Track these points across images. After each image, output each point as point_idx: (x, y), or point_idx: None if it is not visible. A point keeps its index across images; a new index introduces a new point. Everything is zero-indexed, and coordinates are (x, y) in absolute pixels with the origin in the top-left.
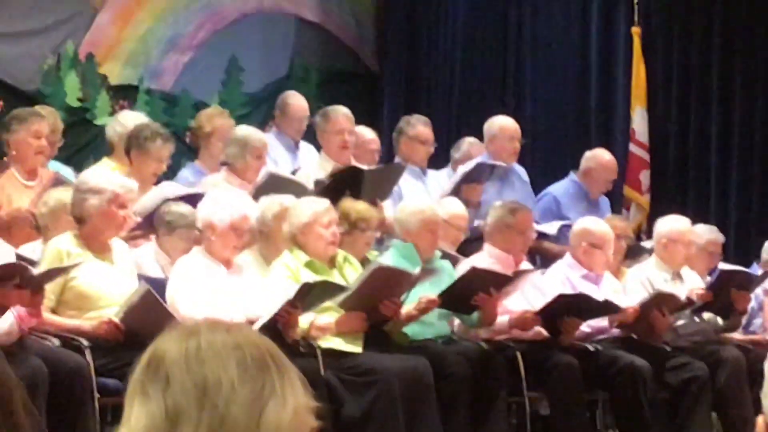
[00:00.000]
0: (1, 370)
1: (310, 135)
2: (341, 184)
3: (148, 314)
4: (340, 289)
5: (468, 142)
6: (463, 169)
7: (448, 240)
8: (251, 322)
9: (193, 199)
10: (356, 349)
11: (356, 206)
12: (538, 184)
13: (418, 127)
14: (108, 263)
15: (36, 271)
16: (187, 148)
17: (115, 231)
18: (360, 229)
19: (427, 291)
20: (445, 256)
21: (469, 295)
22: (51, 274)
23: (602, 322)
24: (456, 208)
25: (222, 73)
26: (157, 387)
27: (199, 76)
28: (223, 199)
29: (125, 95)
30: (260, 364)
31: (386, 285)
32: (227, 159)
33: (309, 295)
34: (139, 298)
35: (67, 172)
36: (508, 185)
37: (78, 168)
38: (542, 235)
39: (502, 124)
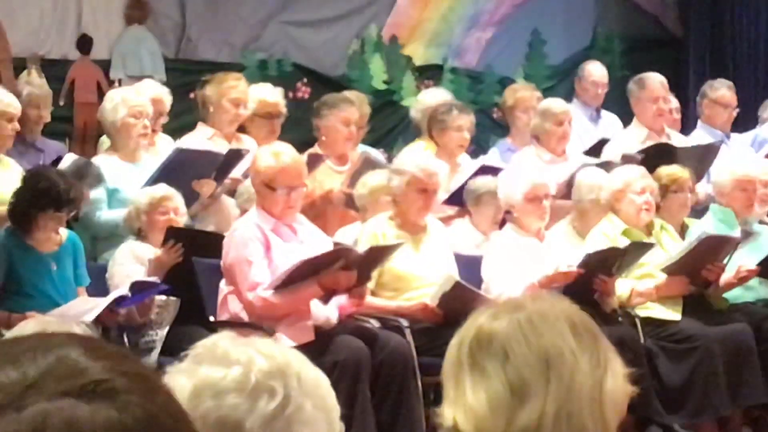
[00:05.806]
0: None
1: (618, 105)
2: (653, 161)
3: (462, 300)
4: (648, 247)
5: None
6: None
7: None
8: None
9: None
10: (675, 316)
11: (666, 170)
12: None
13: (722, 90)
14: (422, 244)
15: (360, 249)
16: (496, 125)
17: (419, 212)
18: (672, 191)
19: (745, 255)
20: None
21: None
22: (374, 253)
23: None
24: None
25: (525, 47)
26: (495, 363)
27: (502, 51)
28: (511, 176)
29: (430, 75)
30: (590, 332)
31: (710, 251)
32: (533, 132)
33: (622, 260)
34: (450, 288)
35: (375, 154)
36: None
37: (388, 150)
38: None
39: None
